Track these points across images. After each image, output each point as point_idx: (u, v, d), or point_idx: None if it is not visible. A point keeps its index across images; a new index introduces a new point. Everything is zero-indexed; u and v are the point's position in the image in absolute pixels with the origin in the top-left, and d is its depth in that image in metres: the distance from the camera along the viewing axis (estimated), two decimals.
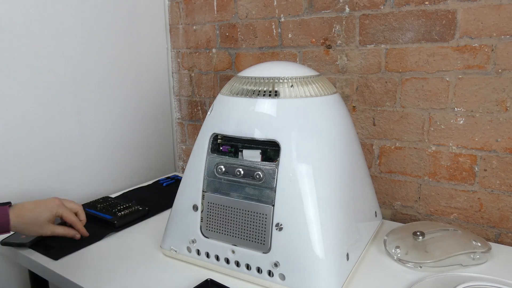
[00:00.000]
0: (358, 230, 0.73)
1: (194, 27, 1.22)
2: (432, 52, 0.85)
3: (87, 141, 1.08)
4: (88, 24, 1.05)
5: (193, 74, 1.27)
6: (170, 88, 1.33)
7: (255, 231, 0.65)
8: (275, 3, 1.04)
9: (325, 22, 0.97)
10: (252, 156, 0.67)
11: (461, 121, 0.84)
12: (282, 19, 1.04)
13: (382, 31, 0.90)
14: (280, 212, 0.63)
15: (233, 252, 0.68)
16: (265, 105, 0.66)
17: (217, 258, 0.70)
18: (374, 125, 0.95)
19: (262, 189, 0.65)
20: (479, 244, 0.74)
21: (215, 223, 0.69)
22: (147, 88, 1.24)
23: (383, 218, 0.94)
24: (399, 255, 0.73)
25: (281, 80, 0.67)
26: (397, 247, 0.74)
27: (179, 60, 1.29)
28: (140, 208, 0.96)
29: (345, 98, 0.98)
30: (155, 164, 1.30)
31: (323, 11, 0.97)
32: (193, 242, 0.72)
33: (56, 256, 0.76)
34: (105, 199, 1.03)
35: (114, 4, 1.11)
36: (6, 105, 0.90)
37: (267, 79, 0.68)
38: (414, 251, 0.73)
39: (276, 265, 0.63)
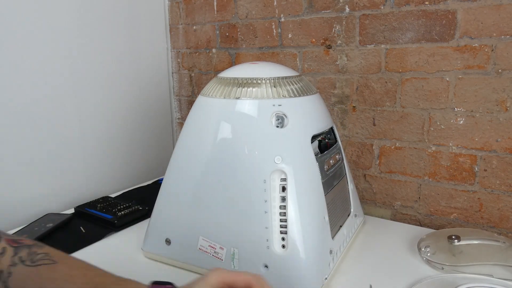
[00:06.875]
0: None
1: (194, 27, 1.22)
2: (432, 52, 0.85)
3: (87, 141, 1.08)
4: (88, 24, 1.05)
5: (193, 74, 1.27)
6: (170, 88, 1.33)
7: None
8: (275, 3, 1.04)
9: (325, 22, 0.97)
10: None
11: (461, 121, 0.84)
12: (282, 19, 1.04)
13: (382, 31, 0.90)
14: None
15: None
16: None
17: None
18: (374, 125, 0.95)
19: None
20: None
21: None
22: (147, 88, 1.24)
23: (383, 218, 0.94)
24: (428, 255, 0.73)
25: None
26: (427, 246, 0.74)
27: (179, 60, 1.29)
28: (140, 208, 0.96)
29: (345, 98, 0.98)
30: (155, 164, 1.30)
31: (323, 11, 0.97)
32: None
33: None
34: (105, 199, 1.03)
35: (114, 4, 1.11)
36: (6, 106, 0.90)
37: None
38: (442, 253, 0.72)
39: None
